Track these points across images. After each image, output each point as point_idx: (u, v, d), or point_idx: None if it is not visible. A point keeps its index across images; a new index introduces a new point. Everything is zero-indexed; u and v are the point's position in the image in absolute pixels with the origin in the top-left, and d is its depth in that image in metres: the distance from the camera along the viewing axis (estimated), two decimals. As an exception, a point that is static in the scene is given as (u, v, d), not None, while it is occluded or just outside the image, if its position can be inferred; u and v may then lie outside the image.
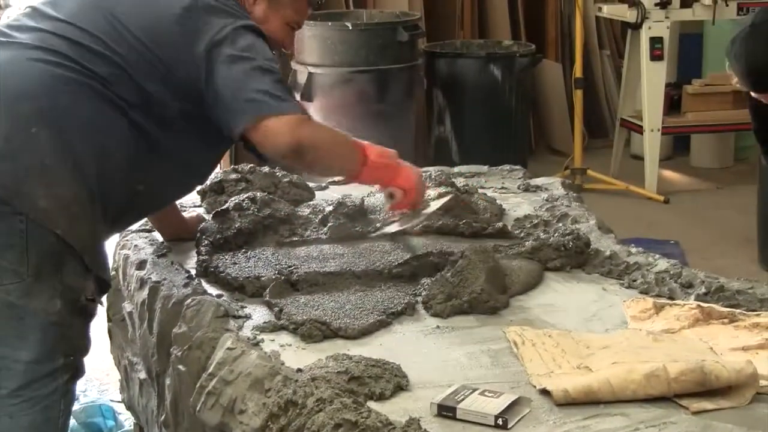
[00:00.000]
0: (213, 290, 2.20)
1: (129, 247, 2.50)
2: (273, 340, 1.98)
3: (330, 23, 5.36)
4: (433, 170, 2.95)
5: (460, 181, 2.91)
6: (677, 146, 6.53)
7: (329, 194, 2.86)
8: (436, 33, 6.25)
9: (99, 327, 2.20)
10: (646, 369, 1.69)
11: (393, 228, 2.43)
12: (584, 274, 2.33)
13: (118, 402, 3.07)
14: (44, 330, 2.01)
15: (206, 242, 2.42)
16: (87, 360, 2.15)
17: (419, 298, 2.15)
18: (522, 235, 2.54)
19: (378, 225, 2.50)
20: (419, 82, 5.65)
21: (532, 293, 2.22)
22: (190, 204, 2.80)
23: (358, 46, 5.24)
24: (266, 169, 2.83)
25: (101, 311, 2.24)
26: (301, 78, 5.33)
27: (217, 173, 2.84)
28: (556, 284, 2.27)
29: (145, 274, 2.30)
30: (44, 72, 2.03)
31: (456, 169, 3.20)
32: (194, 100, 2.11)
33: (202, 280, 2.25)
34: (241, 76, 2.07)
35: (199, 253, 2.39)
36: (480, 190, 2.85)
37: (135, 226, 2.52)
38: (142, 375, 2.42)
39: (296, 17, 2.33)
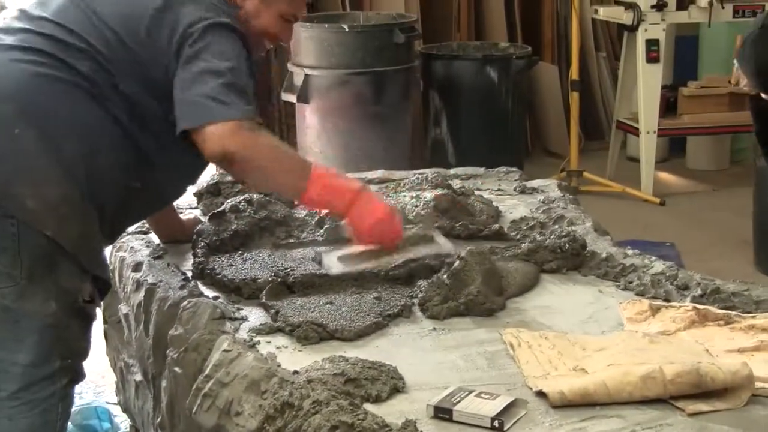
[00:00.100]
0: (209, 292, 2.20)
1: (125, 249, 2.49)
2: (269, 342, 1.97)
3: (326, 25, 5.36)
4: (429, 172, 2.95)
5: (456, 183, 2.92)
6: (673, 148, 6.52)
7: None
8: (433, 35, 6.24)
9: (95, 329, 2.19)
10: (642, 371, 1.69)
11: (341, 266, 2.21)
12: (580, 276, 2.33)
13: (114, 404, 3.06)
14: (40, 332, 2.01)
15: (202, 244, 2.41)
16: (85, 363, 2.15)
17: (415, 300, 2.15)
18: (518, 237, 2.54)
19: (327, 250, 2.28)
20: (416, 84, 5.65)
21: (528, 295, 2.22)
22: (187, 206, 2.80)
23: (354, 48, 5.23)
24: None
25: (99, 314, 2.24)
26: (298, 80, 5.33)
27: (213, 175, 2.83)
28: (553, 286, 2.27)
29: (141, 276, 2.29)
30: (26, 72, 2.02)
31: (452, 171, 3.21)
32: (172, 101, 2.07)
33: (199, 282, 2.24)
34: (189, 78, 2.04)
35: (195, 255, 2.39)
36: (476, 192, 2.86)
37: (131, 228, 2.52)
38: (138, 377, 2.42)
39: (291, 9, 2.28)
